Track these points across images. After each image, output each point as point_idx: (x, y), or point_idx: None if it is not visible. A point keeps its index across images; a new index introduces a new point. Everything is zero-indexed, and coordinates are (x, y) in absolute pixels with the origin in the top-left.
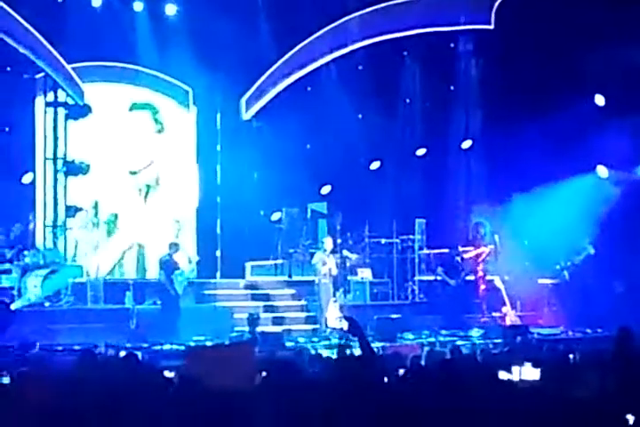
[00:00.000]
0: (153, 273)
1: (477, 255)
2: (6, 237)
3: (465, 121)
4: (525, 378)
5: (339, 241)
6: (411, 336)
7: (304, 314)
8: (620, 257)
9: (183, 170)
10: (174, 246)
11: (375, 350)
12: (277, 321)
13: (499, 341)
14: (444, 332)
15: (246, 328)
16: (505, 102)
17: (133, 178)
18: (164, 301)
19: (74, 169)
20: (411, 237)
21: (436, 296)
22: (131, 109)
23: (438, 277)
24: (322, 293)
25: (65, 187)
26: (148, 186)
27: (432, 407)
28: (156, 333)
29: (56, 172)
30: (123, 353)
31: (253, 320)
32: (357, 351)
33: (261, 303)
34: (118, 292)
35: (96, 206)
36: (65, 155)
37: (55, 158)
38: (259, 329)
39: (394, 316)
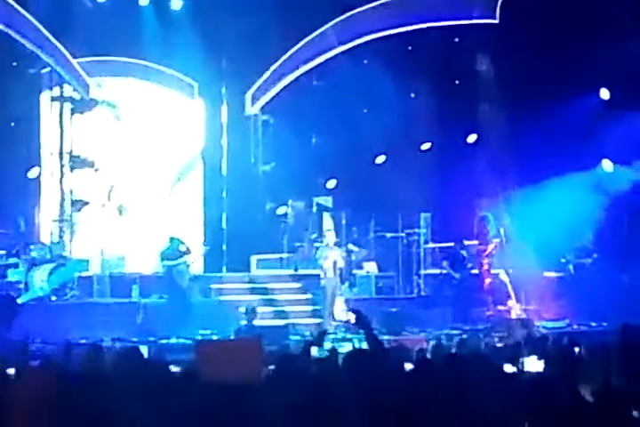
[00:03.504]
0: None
1: (483, 250)
2: (13, 232)
3: (470, 115)
4: (529, 369)
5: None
6: (416, 330)
7: (310, 307)
8: (626, 250)
9: (191, 170)
10: (176, 240)
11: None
12: (283, 315)
13: (504, 334)
14: (449, 325)
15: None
16: (510, 96)
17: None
18: (169, 294)
19: (80, 163)
20: (416, 230)
21: (441, 290)
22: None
23: (443, 271)
24: (326, 287)
25: (70, 181)
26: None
27: (438, 401)
28: (162, 327)
29: (62, 166)
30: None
31: (251, 313)
32: (364, 344)
33: (267, 297)
34: (125, 286)
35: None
36: (71, 149)
37: (61, 153)
38: (265, 323)
39: (398, 309)
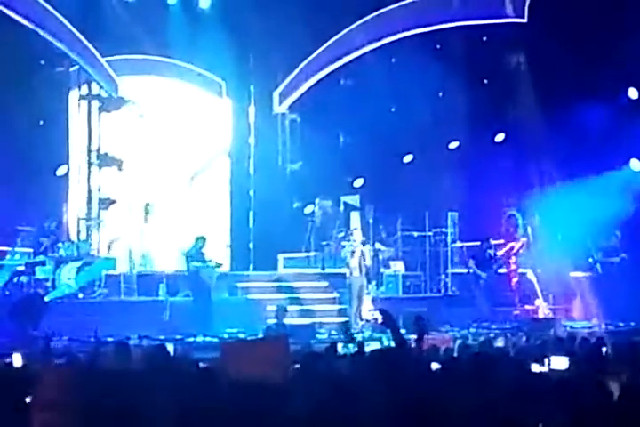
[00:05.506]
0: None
1: (510, 249)
2: (41, 230)
3: (498, 114)
4: (555, 368)
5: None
6: (443, 329)
7: (336, 306)
8: None
9: (214, 163)
10: (201, 240)
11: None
12: (309, 314)
13: (531, 334)
14: (475, 324)
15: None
16: (538, 95)
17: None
18: (194, 293)
19: (108, 161)
20: (443, 229)
21: (468, 289)
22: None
23: (470, 270)
24: (352, 286)
25: (98, 179)
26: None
27: (465, 399)
28: (189, 325)
29: (90, 164)
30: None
31: (281, 312)
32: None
33: (294, 296)
34: (151, 284)
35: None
36: (99, 147)
37: (89, 151)
38: (292, 322)
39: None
